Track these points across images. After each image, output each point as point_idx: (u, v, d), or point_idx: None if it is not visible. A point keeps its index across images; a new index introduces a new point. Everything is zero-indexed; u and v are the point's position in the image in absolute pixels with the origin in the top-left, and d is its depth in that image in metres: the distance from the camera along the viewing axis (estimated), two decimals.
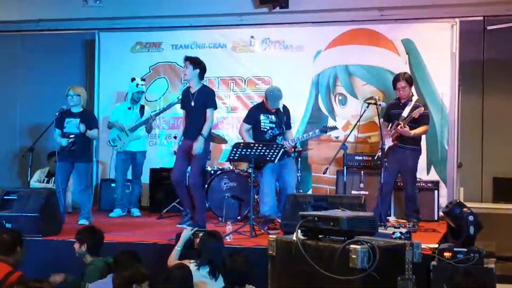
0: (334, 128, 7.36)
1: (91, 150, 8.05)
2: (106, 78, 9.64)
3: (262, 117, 7.11)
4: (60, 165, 7.35)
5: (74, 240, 5.28)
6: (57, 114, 7.36)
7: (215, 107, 6.92)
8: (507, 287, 5.56)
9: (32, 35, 10.04)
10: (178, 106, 7.89)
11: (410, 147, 7.16)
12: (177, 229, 6.32)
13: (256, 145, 6.69)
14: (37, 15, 9.69)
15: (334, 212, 4.51)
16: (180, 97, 6.85)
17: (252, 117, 7.20)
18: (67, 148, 7.20)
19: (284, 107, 7.25)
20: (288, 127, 7.33)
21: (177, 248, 5.34)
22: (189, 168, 6.93)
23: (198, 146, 6.69)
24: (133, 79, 8.52)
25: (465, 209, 5.05)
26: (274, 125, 7.13)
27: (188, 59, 6.84)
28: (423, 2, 8.66)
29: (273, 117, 7.13)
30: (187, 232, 5.45)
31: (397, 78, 7.31)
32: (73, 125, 7.35)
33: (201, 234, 5.33)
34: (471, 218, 4.96)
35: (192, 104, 6.80)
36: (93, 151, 8.70)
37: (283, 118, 7.20)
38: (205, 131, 6.75)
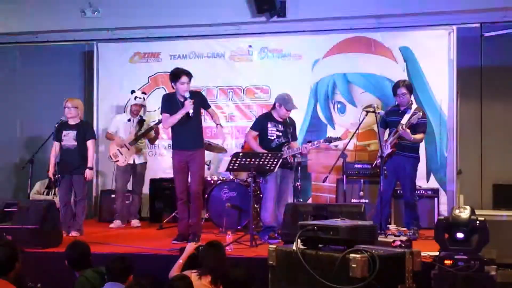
0: (338, 138, 7.31)
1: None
2: (105, 89, 9.65)
3: (269, 125, 7.12)
4: (61, 178, 7.33)
5: None
6: (56, 125, 7.37)
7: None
8: None
9: (30, 46, 10.06)
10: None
11: (409, 154, 7.15)
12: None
13: (255, 154, 6.70)
14: (36, 26, 9.70)
15: (334, 221, 4.50)
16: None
17: (259, 124, 7.22)
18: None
19: (291, 118, 7.29)
20: (294, 138, 7.35)
21: (180, 261, 5.33)
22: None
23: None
24: (132, 91, 8.54)
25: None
26: (281, 134, 7.14)
27: (190, 74, 6.84)
28: (420, 9, 8.68)
29: (280, 126, 7.15)
30: (190, 246, 5.44)
31: (397, 85, 7.30)
32: (70, 138, 7.34)
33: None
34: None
35: (191, 113, 6.77)
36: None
37: (290, 128, 7.23)
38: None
